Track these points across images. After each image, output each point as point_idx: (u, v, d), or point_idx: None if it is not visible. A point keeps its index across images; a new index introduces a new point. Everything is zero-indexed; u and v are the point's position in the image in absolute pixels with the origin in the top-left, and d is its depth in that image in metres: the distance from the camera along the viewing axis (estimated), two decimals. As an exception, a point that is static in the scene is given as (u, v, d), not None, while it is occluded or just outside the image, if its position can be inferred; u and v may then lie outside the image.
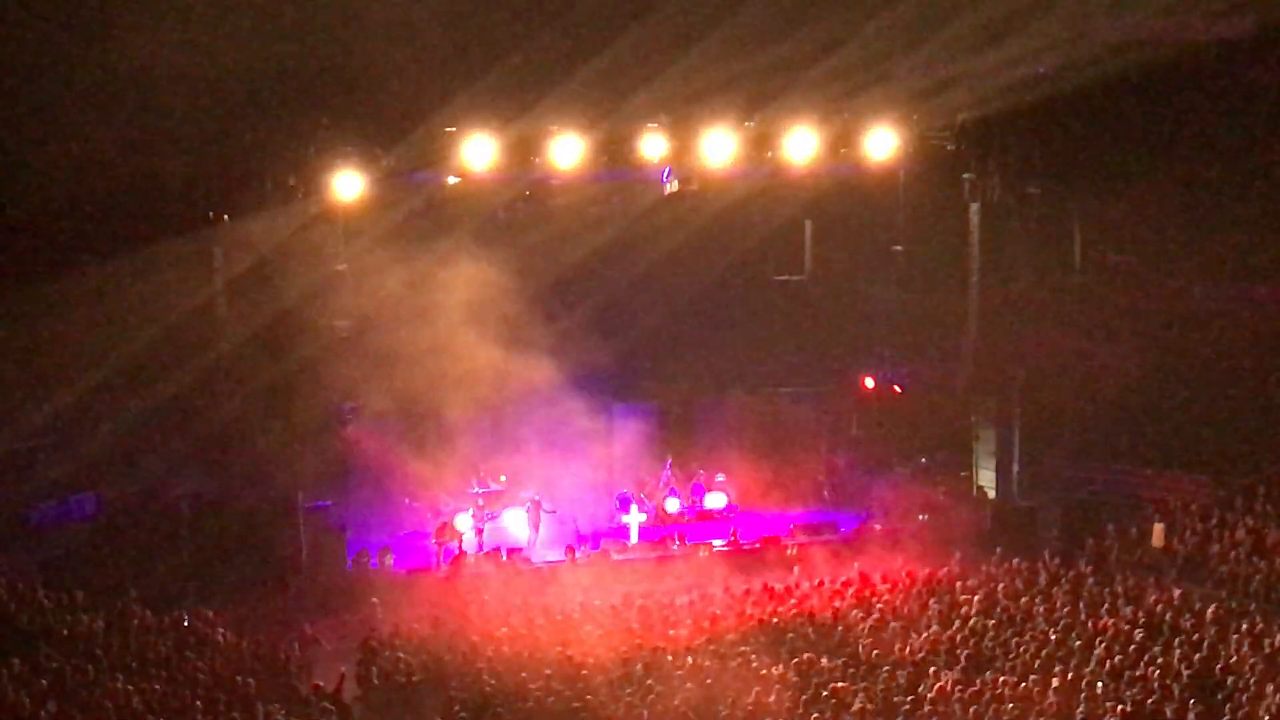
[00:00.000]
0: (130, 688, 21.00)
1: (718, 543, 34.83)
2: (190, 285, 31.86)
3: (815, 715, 21.12)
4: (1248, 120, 36.24)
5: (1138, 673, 22.79)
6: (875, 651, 24.86)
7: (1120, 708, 21.07)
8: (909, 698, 22.15)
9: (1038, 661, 23.64)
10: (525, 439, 34.79)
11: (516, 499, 34.86)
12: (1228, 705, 21.19)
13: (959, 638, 25.30)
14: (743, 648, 25.36)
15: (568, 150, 32.54)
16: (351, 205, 32.12)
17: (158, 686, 21.57)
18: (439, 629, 27.35)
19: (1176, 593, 27.60)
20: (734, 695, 22.39)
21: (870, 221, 38.33)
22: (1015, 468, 36.20)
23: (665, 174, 34.86)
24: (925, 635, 25.70)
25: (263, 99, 31.69)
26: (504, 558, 32.91)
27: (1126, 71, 33.95)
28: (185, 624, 25.95)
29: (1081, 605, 27.15)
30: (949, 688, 22.36)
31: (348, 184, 31.63)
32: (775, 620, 27.45)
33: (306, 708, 22.03)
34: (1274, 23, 35.38)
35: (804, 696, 22.03)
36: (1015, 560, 30.60)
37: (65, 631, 23.77)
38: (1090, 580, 28.93)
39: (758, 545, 34.61)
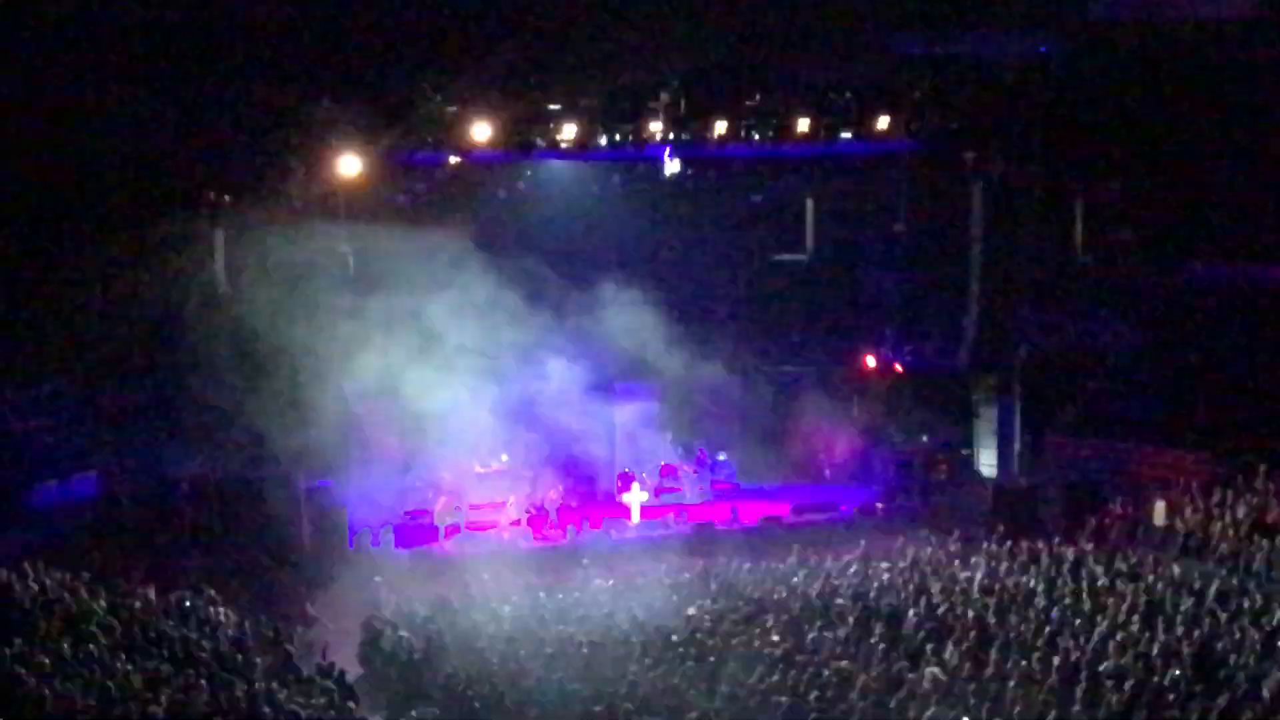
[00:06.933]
0: (132, 667, 21.00)
1: (720, 522, 34.92)
2: (191, 265, 31.85)
3: (815, 693, 21.10)
4: (1249, 99, 36.14)
5: (1139, 650, 22.80)
6: (877, 630, 24.86)
7: (1122, 685, 21.07)
8: (910, 676, 22.15)
9: (1039, 640, 23.64)
10: (527, 417, 34.78)
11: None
12: (1229, 683, 21.19)
13: (960, 616, 25.29)
14: (744, 626, 25.41)
15: (569, 130, 32.48)
16: (352, 185, 32.08)
17: (160, 666, 21.56)
18: (441, 608, 27.40)
19: (1178, 570, 27.60)
20: (736, 672, 22.41)
21: (872, 200, 38.37)
22: (1016, 446, 36.20)
23: (666, 154, 34.84)
24: (926, 614, 25.71)
25: (264, 79, 31.65)
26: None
27: (1129, 51, 33.86)
28: (187, 603, 25.96)
29: (1083, 583, 27.17)
30: (951, 667, 22.36)
31: (348, 164, 31.60)
32: (777, 599, 27.49)
33: (309, 686, 22.01)
34: (1275, 2, 35.29)
35: (805, 675, 22.02)
36: (1016, 538, 30.64)
37: (66, 611, 23.75)
38: (1091, 558, 28.95)
39: (758, 524, 34.64)
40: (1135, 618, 24.45)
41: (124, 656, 21.58)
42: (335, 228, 33.37)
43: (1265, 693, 20.72)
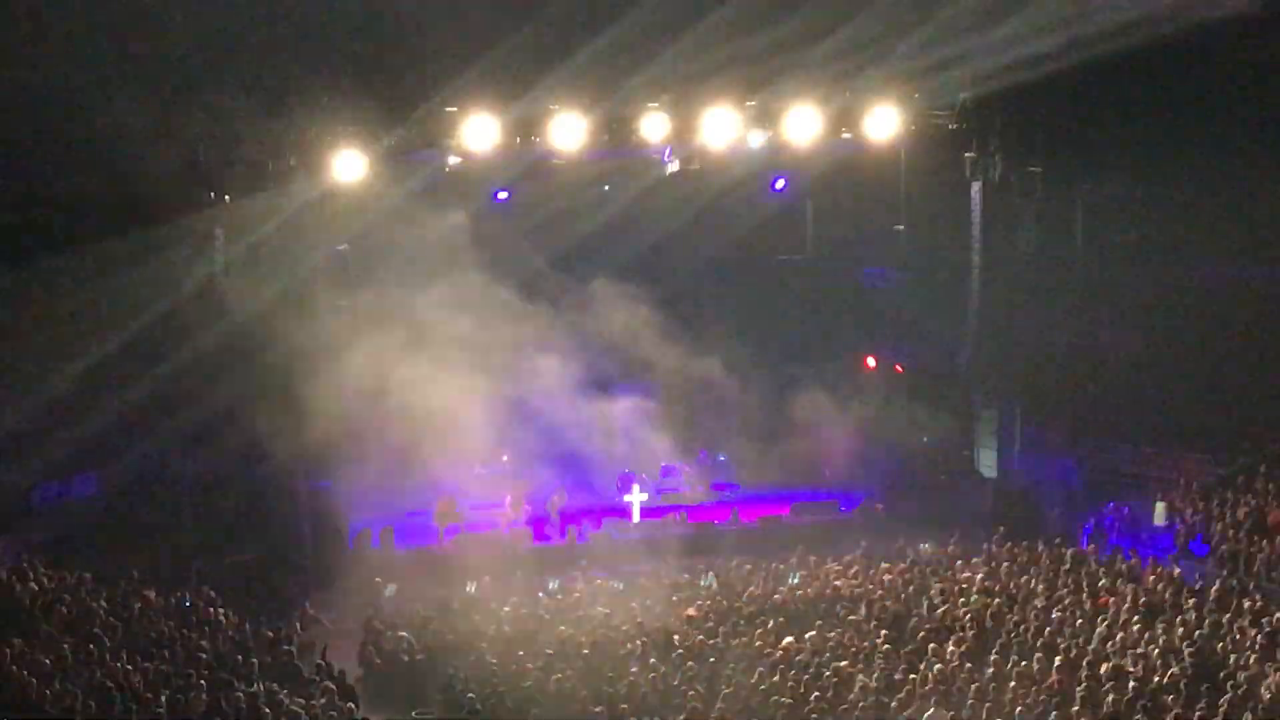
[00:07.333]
0: (132, 667, 21.00)
1: (720, 522, 34.93)
2: (192, 265, 31.84)
3: (816, 694, 21.11)
4: (1251, 99, 36.11)
5: (1139, 651, 22.82)
6: (877, 631, 24.87)
7: (1122, 686, 21.08)
8: (911, 677, 22.15)
9: (1040, 640, 23.66)
10: (526, 416, 34.75)
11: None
12: (1229, 684, 21.20)
13: (961, 617, 25.30)
14: (744, 627, 25.42)
15: (569, 130, 32.48)
16: (352, 185, 32.08)
17: (160, 666, 21.57)
18: (441, 608, 27.40)
19: (1177, 571, 27.62)
20: (736, 673, 22.43)
21: (872, 201, 38.32)
22: (1017, 447, 36.18)
23: (666, 153, 34.82)
24: (927, 614, 25.72)
25: (264, 80, 31.61)
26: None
27: (1129, 50, 33.78)
28: (187, 603, 25.96)
29: (1083, 584, 27.18)
30: (951, 667, 22.36)
31: (349, 164, 31.59)
32: (777, 599, 27.50)
33: (309, 687, 22.02)
34: (1275, 2, 35.25)
35: (806, 676, 22.03)
36: (1017, 539, 30.65)
37: (67, 611, 23.75)
38: (1091, 559, 28.96)
39: (758, 524, 34.64)
40: (1135, 618, 24.48)
41: (125, 657, 21.59)
42: (335, 227, 33.35)
43: (1265, 694, 20.76)
